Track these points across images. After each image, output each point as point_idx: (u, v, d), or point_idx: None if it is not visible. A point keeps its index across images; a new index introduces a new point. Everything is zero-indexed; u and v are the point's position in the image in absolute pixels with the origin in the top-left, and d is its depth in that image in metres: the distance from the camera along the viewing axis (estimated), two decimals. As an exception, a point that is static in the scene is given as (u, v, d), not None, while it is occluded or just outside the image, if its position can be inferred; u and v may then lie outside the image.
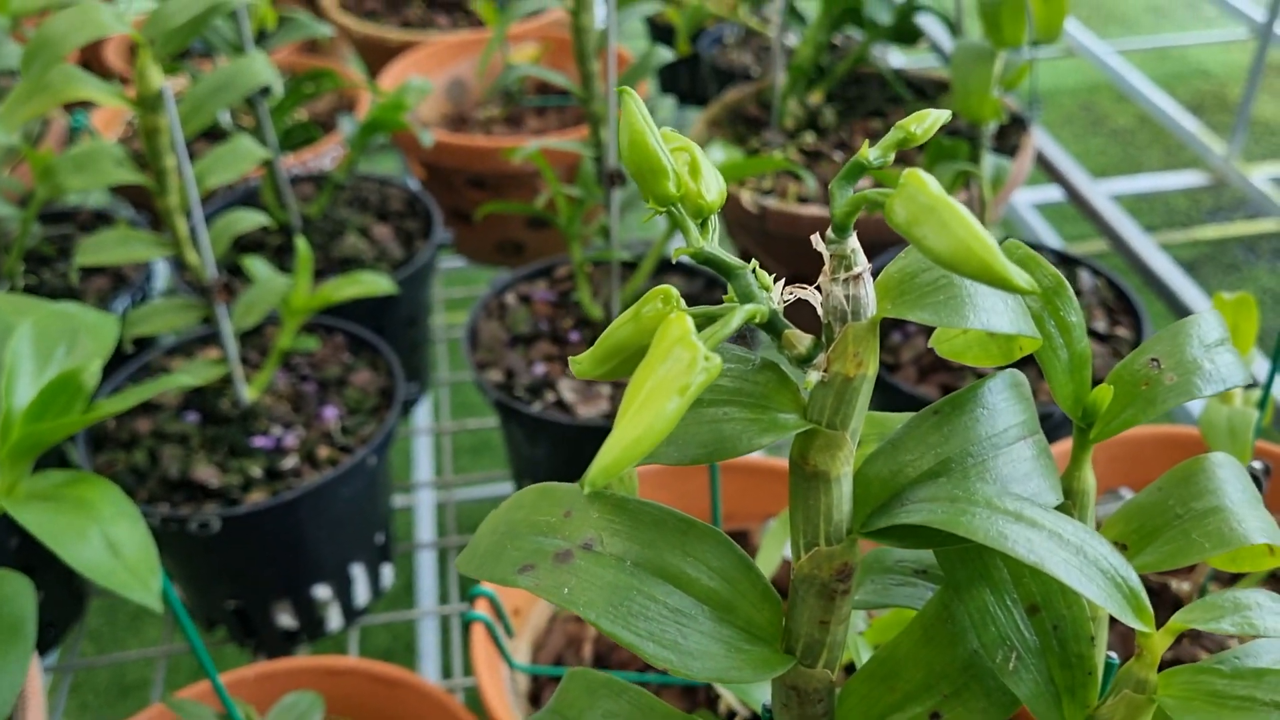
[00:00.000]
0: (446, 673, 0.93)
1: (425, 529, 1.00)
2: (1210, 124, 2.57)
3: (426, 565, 1.00)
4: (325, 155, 1.05)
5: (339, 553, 0.77)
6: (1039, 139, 1.30)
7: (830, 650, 0.30)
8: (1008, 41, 0.70)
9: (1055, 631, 0.29)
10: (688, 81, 1.39)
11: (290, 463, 0.73)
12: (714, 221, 0.28)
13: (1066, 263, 0.87)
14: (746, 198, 0.91)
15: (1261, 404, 0.56)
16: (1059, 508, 0.31)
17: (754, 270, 0.27)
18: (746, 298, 0.27)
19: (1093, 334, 0.81)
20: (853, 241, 0.26)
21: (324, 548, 0.75)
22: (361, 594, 0.81)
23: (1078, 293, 0.84)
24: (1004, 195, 0.91)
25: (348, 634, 0.82)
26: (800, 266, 0.95)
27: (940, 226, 0.24)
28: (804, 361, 0.27)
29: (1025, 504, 0.27)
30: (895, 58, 1.48)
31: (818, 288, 0.27)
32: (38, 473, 0.49)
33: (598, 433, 0.75)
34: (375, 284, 0.78)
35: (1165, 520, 0.33)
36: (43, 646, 0.81)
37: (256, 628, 0.78)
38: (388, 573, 0.84)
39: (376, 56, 1.25)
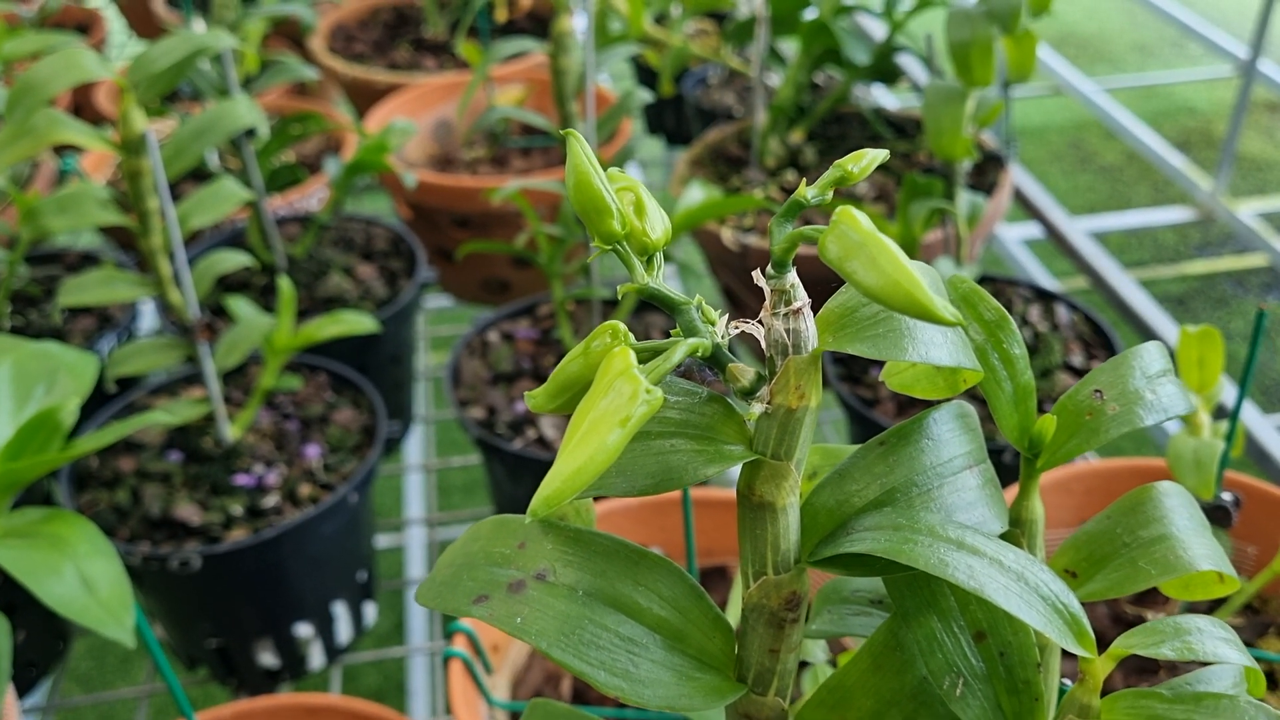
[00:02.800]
0: (434, 711, 0.93)
1: (416, 565, 1.00)
2: (1197, 160, 2.60)
3: (416, 606, 1.01)
4: (311, 196, 1.06)
5: (320, 591, 0.77)
6: (1019, 177, 1.32)
7: (781, 678, 0.30)
8: (978, 82, 0.71)
9: (1002, 658, 0.30)
10: (673, 121, 1.40)
11: (272, 501, 0.74)
12: (659, 259, 0.28)
13: (1044, 298, 0.88)
14: (728, 236, 0.92)
15: (1229, 435, 0.56)
16: (1007, 536, 0.32)
17: (698, 306, 0.28)
18: (690, 332, 0.28)
19: (1069, 368, 0.82)
20: (792, 277, 0.27)
21: (305, 586, 0.76)
22: (344, 632, 0.81)
23: (1054, 327, 0.85)
24: (982, 231, 0.93)
25: (330, 672, 0.82)
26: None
27: (869, 262, 0.24)
28: (748, 394, 0.28)
29: (968, 532, 0.28)
30: (882, 97, 1.49)
31: (759, 321, 0.28)
32: (15, 510, 0.49)
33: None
34: (358, 323, 0.79)
35: (1113, 548, 0.33)
36: (25, 686, 0.81)
37: (238, 667, 0.78)
38: (370, 611, 0.84)
39: (364, 98, 1.26)
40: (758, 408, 0.28)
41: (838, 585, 0.36)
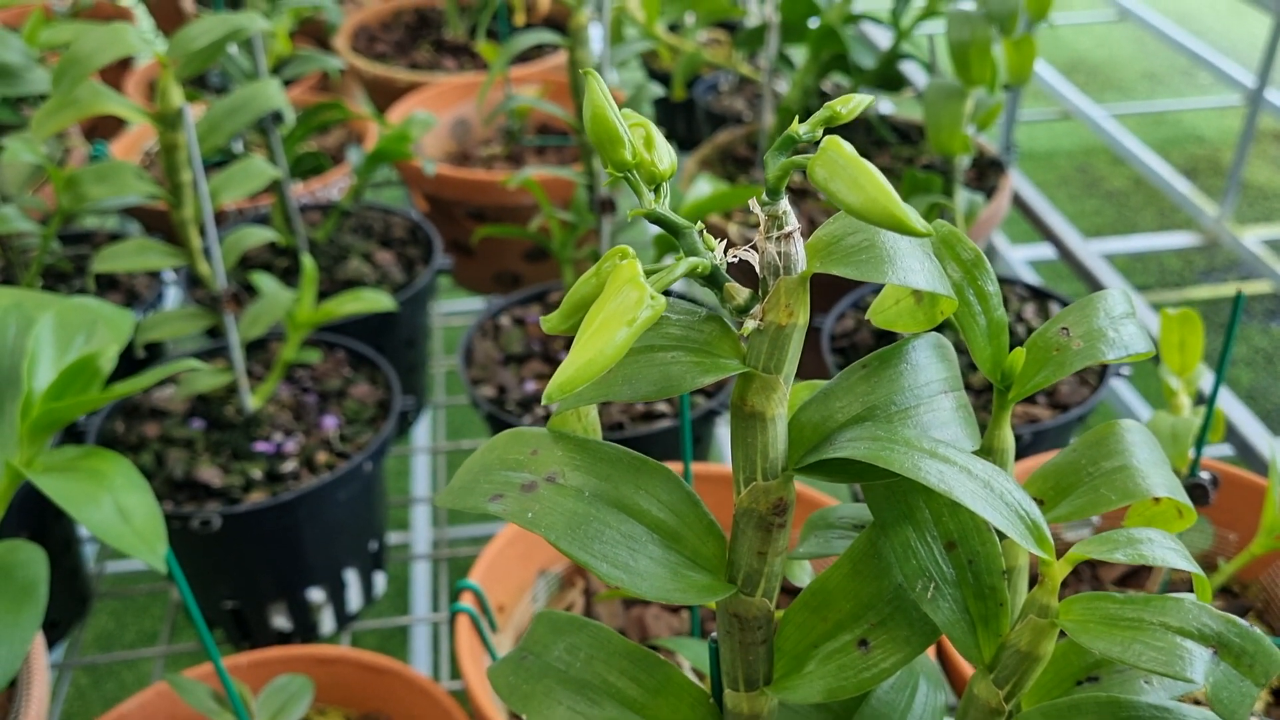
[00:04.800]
0: (435, 676, 0.96)
1: (421, 541, 1.03)
2: (1204, 188, 2.63)
3: (421, 575, 1.04)
4: (333, 186, 1.10)
5: (334, 557, 0.80)
6: (1033, 199, 1.35)
7: (767, 580, 0.33)
8: (976, 81, 0.74)
9: (970, 566, 0.33)
10: (684, 127, 1.44)
11: (290, 466, 0.77)
12: (666, 188, 0.31)
13: (1038, 296, 0.91)
14: (734, 230, 0.95)
15: (1206, 416, 0.59)
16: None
17: (700, 231, 0.31)
18: (692, 253, 0.31)
19: (1061, 361, 0.84)
20: (784, 204, 0.30)
21: (319, 551, 0.78)
22: (354, 599, 0.84)
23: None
24: (981, 232, 0.95)
25: (339, 639, 0.85)
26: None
27: (852, 182, 0.27)
28: (742, 312, 0.31)
29: (941, 444, 0.31)
30: (889, 108, 1.53)
31: (754, 246, 0.31)
32: (57, 448, 0.52)
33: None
34: (376, 301, 0.82)
35: (1078, 478, 0.36)
36: (49, 642, 0.84)
37: (252, 629, 0.81)
38: (380, 580, 0.87)
39: (385, 97, 1.30)
40: (751, 324, 0.31)
41: (825, 514, 0.39)
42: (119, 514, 0.48)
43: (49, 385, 0.52)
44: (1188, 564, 0.31)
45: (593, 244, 0.90)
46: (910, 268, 0.30)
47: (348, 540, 0.80)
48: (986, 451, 0.36)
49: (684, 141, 1.45)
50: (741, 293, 0.31)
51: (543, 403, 0.27)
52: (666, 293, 0.30)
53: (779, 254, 0.30)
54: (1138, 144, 2.16)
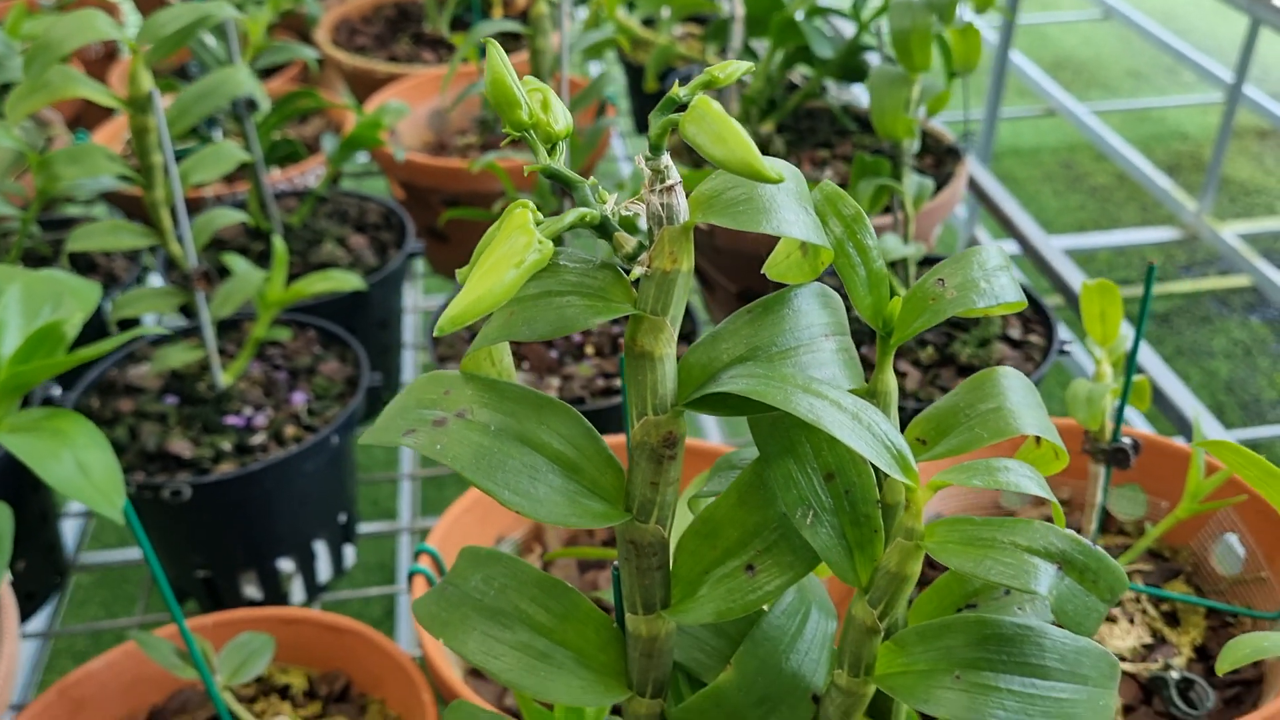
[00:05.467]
0: (421, 645, 0.99)
1: (406, 516, 1.06)
2: (1186, 184, 2.65)
3: (405, 549, 1.07)
4: (311, 174, 1.12)
5: (303, 528, 0.83)
6: (998, 195, 1.38)
7: (660, 509, 0.36)
8: (919, 67, 0.77)
9: (847, 495, 0.35)
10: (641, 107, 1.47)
11: (259, 439, 0.79)
12: (562, 146, 0.34)
13: (990, 278, 0.93)
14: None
15: (1126, 380, 0.62)
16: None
17: (593, 186, 0.34)
18: (583, 204, 0.33)
19: (1007, 339, 0.87)
20: (666, 159, 0.33)
21: (288, 521, 0.81)
22: (324, 570, 0.86)
23: (998, 304, 0.91)
24: (934, 216, 0.98)
25: (311, 608, 0.88)
26: (749, 282, 1.02)
27: (716, 136, 0.30)
28: (631, 259, 0.34)
29: (815, 381, 0.34)
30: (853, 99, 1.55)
31: (641, 199, 0.34)
32: (22, 410, 0.55)
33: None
34: (345, 280, 0.85)
35: (957, 420, 0.39)
36: (24, 615, 0.87)
37: (224, 598, 0.84)
38: (350, 553, 0.89)
39: (365, 88, 1.33)
40: (639, 270, 0.34)
41: (729, 457, 0.42)
42: (79, 469, 0.51)
43: (15, 350, 0.55)
44: (1041, 490, 0.34)
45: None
46: (787, 219, 0.33)
47: (316, 512, 0.83)
48: (871, 394, 0.39)
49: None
50: (629, 241, 0.34)
51: (434, 334, 0.30)
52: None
53: (663, 205, 0.33)
54: (1120, 141, 2.19)
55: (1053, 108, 2.37)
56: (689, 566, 0.37)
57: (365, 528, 0.97)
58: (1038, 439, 0.40)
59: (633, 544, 0.36)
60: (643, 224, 0.33)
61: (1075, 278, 1.21)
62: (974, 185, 1.33)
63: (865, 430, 0.33)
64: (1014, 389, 0.39)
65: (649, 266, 0.33)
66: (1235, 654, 0.42)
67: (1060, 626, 0.34)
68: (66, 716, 0.64)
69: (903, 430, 0.38)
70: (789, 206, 0.33)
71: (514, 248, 0.31)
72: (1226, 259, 1.95)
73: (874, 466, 0.35)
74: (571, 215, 0.32)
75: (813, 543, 0.35)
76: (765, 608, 0.38)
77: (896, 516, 0.41)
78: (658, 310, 0.34)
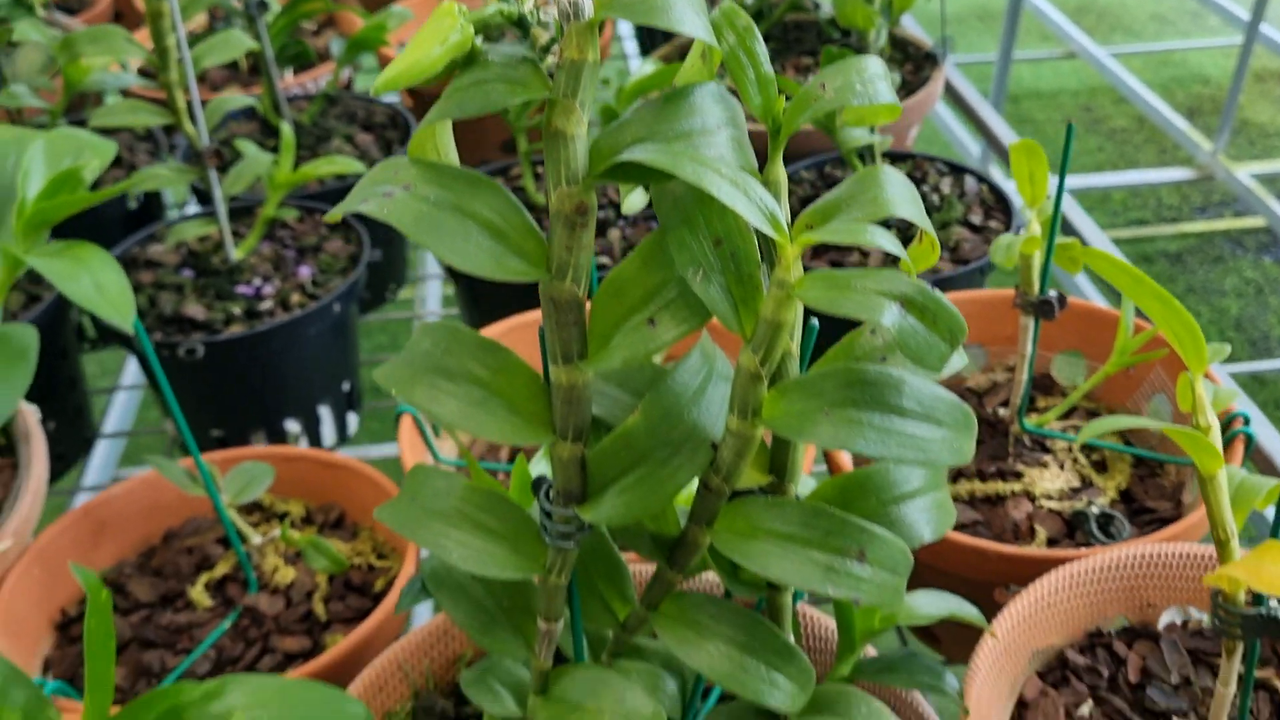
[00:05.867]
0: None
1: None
2: (1206, 126, 2.67)
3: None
4: (322, 79, 1.19)
5: (308, 391, 0.90)
6: (972, 98, 1.42)
7: (575, 270, 0.42)
8: (878, -44, 0.82)
9: (733, 257, 0.41)
10: (663, 37, 1.52)
11: (267, 305, 0.86)
12: (488, -46, 0.40)
13: (955, 171, 0.99)
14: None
15: (1051, 234, 0.67)
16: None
17: (514, -13, 0.40)
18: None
19: (967, 224, 0.93)
20: (572, -40, 0.39)
21: (295, 384, 0.88)
22: (328, 434, 0.94)
23: (962, 194, 0.96)
24: (914, 115, 1.03)
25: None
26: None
27: (604, -74, 0.36)
28: (545, 50, 0.40)
29: (705, 156, 0.40)
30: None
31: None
32: (48, 243, 0.62)
33: (529, 288, 0.87)
34: (349, 164, 0.91)
35: (839, 208, 0.45)
36: (53, 475, 0.95)
37: (237, 457, 0.91)
38: (353, 420, 0.97)
39: (380, 2, 1.39)
40: (551, 60, 0.40)
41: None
42: (96, 287, 0.58)
43: (40, 189, 0.62)
44: (894, 247, 0.40)
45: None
46: (683, 17, 0.39)
47: (320, 377, 0.90)
48: (764, 183, 0.45)
49: (645, 45, 1.54)
50: (544, 36, 0.40)
51: (371, 94, 0.36)
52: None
53: (570, 4, 0.39)
54: (1138, 83, 2.21)
55: (1074, 50, 2.39)
56: (602, 322, 0.43)
57: (372, 404, 1.04)
58: (928, 242, 0.46)
59: (552, 300, 0.43)
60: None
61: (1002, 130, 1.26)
62: (950, 89, 1.37)
63: (743, 194, 0.39)
64: (893, 183, 0.45)
65: (560, 56, 0.39)
66: (1094, 429, 0.48)
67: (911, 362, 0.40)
68: (90, 534, 0.72)
69: (794, 220, 0.44)
70: (685, 5, 0.39)
71: (441, 28, 0.37)
72: (1242, 200, 1.97)
73: (757, 234, 0.41)
74: (491, 7, 0.38)
75: (703, 298, 0.41)
76: (672, 367, 0.44)
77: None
78: (569, 94, 0.40)
